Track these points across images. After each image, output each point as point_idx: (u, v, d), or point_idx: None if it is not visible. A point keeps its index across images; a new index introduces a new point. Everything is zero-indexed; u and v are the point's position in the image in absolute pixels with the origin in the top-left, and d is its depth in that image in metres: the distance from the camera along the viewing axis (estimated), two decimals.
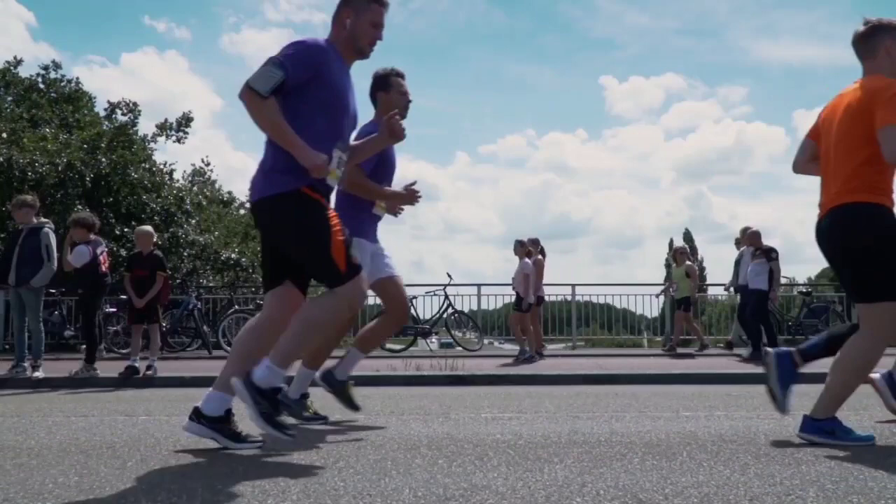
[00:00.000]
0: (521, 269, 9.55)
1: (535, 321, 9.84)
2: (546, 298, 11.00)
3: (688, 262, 10.84)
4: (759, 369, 7.39)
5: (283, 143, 2.93)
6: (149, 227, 7.64)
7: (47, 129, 16.98)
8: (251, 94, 2.88)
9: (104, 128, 18.06)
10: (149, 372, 6.98)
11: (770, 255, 9.05)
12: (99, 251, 7.11)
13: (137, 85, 67.02)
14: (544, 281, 10.34)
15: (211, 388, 3.07)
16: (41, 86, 20.86)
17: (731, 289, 10.91)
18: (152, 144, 19.46)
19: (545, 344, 10.98)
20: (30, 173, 14.64)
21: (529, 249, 9.71)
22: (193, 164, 24.38)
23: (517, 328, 9.71)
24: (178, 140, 19.96)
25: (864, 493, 2.24)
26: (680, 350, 10.61)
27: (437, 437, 3.41)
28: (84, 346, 7.40)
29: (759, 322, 9.19)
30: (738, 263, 10.24)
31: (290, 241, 3.04)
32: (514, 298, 9.91)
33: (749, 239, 9.53)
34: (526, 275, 9.43)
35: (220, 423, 3.01)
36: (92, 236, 7.14)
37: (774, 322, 12.36)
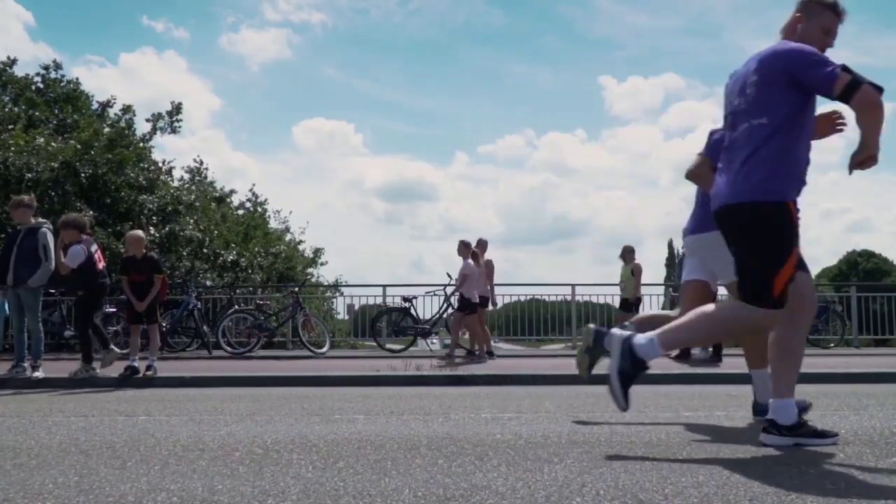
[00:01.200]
0: (462, 269, 9.60)
1: (481, 322, 9.88)
2: (498, 300, 10.95)
3: (635, 262, 10.91)
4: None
5: (878, 134, 2.84)
6: (139, 232, 7.57)
7: (44, 133, 16.97)
8: (879, 95, 2.81)
9: (102, 127, 18.07)
10: (148, 372, 6.97)
11: None
12: (93, 250, 7.09)
13: (136, 85, 67.12)
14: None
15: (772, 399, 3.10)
16: (40, 85, 20.88)
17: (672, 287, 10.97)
18: (150, 142, 19.47)
19: (494, 345, 10.92)
20: (26, 173, 14.64)
21: (475, 251, 9.77)
22: (188, 165, 24.36)
23: (457, 328, 9.86)
24: (173, 129, 20.00)
25: (864, 493, 2.24)
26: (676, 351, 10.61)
27: (437, 437, 3.41)
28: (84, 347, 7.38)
29: None
30: (680, 263, 10.30)
31: (751, 246, 3.03)
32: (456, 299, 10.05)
33: None
34: (465, 275, 9.48)
35: (800, 429, 3.03)
36: (83, 236, 7.10)
37: None
